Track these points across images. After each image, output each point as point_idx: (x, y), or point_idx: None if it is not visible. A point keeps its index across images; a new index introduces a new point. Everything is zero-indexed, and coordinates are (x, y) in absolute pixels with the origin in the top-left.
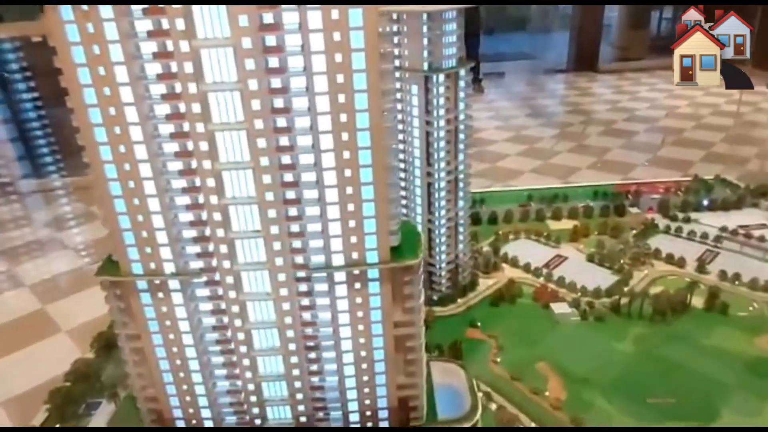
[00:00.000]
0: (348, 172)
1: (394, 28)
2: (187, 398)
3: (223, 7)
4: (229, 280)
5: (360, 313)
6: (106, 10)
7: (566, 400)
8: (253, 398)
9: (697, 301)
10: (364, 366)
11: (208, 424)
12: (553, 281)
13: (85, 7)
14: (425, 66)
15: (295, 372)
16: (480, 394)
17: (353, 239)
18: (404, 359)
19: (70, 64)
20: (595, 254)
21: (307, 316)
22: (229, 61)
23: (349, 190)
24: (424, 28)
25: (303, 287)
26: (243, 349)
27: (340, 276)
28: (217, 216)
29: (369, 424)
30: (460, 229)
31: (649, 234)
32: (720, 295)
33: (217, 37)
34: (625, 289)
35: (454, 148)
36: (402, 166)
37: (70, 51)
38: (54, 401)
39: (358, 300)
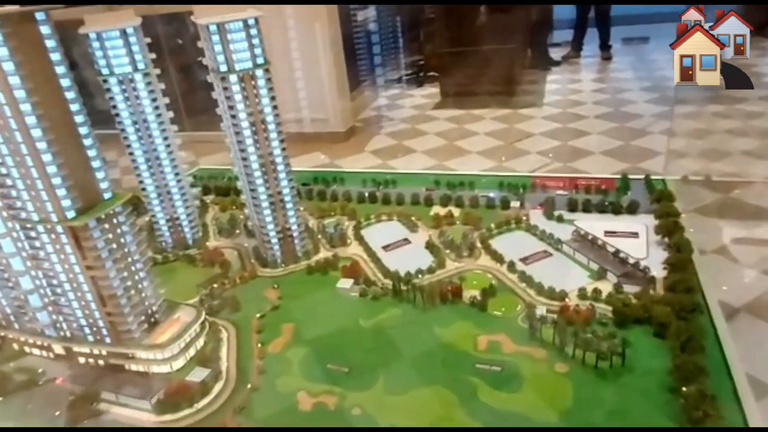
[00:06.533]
0: (29, 160)
1: (201, 36)
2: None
3: None
4: None
5: (62, 256)
6: None
7: (274, 354)
8: (28, 304)
9: (470, 296)
10: (79, 294)
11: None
12: (374, 261)
13: None
14: (221, 68)
15: (41, 291)
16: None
17: (38, 204)
18: (106, 294)
19: None
20: (434, 243)
21: (36, 252)
22: None
23: (31, 171)
24: (214, 38)
25: (30, 233)
26: (9, 269)
27: (41, 228)
28: None
29: (97, 335)
30: (288, 204)
31: (507, 230)
32: (495, 294)
33: None
34: (421, 276)
35: (263, 137)
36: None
37: None
38: None
39: (57, 246)
